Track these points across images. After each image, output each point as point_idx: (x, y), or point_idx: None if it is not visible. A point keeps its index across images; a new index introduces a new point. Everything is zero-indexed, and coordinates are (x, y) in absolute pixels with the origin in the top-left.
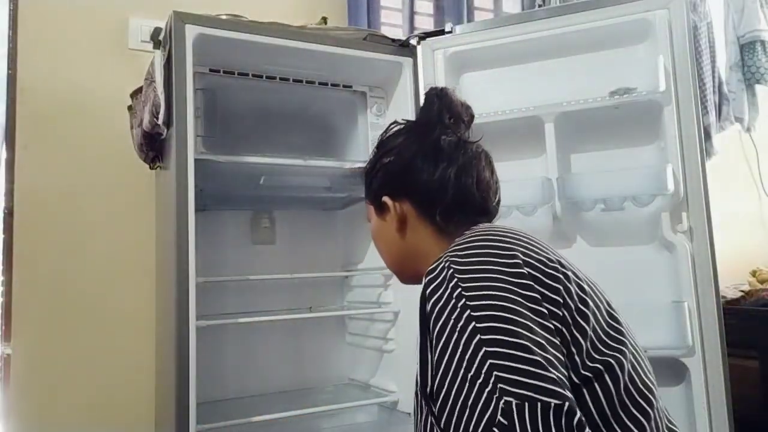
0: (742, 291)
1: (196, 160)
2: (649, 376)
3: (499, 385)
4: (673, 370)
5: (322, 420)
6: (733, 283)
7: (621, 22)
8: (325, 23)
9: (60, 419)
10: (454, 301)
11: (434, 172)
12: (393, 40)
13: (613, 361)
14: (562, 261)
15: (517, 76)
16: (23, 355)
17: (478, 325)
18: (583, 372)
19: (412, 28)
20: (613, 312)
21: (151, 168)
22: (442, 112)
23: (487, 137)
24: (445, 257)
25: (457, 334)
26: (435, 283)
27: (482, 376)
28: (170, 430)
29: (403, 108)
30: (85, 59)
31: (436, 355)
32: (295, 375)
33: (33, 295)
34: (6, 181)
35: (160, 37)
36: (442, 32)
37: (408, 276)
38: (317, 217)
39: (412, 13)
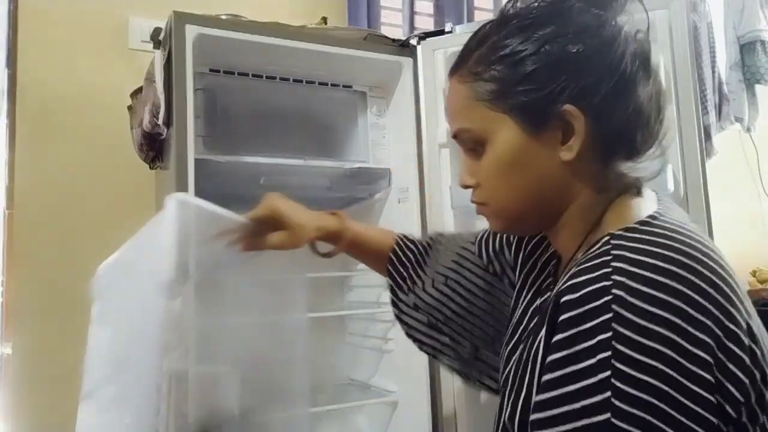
0: None
1: (196, 160)
2: None
3: None
4: None
5: (322, 420)
6: None
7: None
8: (325, 23)
9: (60, 419)
10: (594, 363)
11: (645, 85)
12: (393, 40)
13: None
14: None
15: None
16: (23, 355)
17: (614, 406)
18: None
19: (412, 28)
20: None
21: (151, 168)
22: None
23: None
24: (612, 274)
25: (580, 399)
26: (579, 313)
27: None
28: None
29: (403, 108)
30: (85, 59)
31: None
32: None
33: (33, 295)
34: (6, 181)
35: (160, 37)
36: (442, 32)
37: (529, 225)
38: None
39: (412, 13)
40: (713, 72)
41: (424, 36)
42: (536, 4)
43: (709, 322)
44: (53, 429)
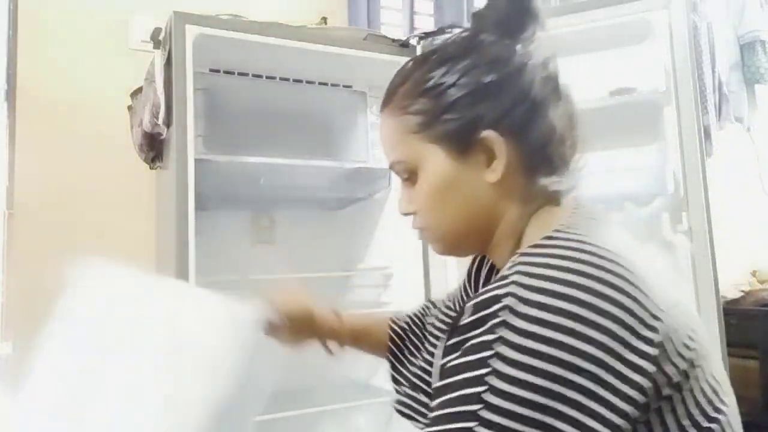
0: (742, 291)
1: (196, 160)
2: None
3: None
4: None
5: (322, 420)
6: (733, 283)
7: (621, 22)
8: (325, 23)
9: None
10: (475, 359)
11: (556, 107)
12: (393, 40)
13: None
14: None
15: None
16: (23, 355)
17: (486, 401)
18: None
19: (412, 28)
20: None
21: (151, 168)
22: (542, 26)
23: None
24: (508, 285)
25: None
26: (473, 320)
27: None
28: None
29: None
30: (85, 59)
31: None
32: (294, 375)
33: (33, 295)
34: (6, 181)
35: (160, 37)
36: (442, 32)
37: (466, 246)
38: (317, 217)
39: (412, 13)
40: (713, 72)
41: (424, 36)
42: (453, 40)
43: (607, 323)
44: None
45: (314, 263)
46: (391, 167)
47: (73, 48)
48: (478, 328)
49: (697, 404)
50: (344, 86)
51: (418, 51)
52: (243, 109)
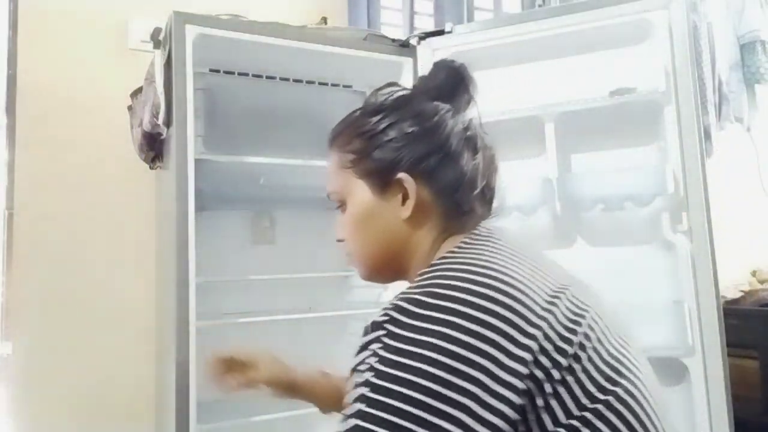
0: (742, 291)
1: (196, 160)
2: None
3: None
4: (673, 370)
5: (321, 420)
6: (733, 283)
7: (621, 22)
8: (325, 23)
9: (60, 419)
10: (359, 379)
11: (470, 159)
12: (393, 40)
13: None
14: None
15: (517, 76)
16: (23, 355)
17: (363, 412)
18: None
19: (412, 28)
20: (613, 353)
21: (151, 168)
22: (460, 95)
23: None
24: (391, 310)
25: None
26: (362, 343)
27: None
28: (170, 429)
29: None
30: (85, 59)
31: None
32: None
33: (33, 295)
34: (6, 181)
35: (160, 37)
36: (442, 32)
37: (385, 275)
38: (317, 217)
39: (412, 13)
40: (713, 72)
41: (424, 36)
42: (393, 95)
43: (482, 345)
44: (53, 429)
45: (314, 263)
46: (328, 196)
47: (73, 48)
48: (363, 350)
49: (583, 390)
50: (344, 86)
51: (419, 51)
52: (243, 109)
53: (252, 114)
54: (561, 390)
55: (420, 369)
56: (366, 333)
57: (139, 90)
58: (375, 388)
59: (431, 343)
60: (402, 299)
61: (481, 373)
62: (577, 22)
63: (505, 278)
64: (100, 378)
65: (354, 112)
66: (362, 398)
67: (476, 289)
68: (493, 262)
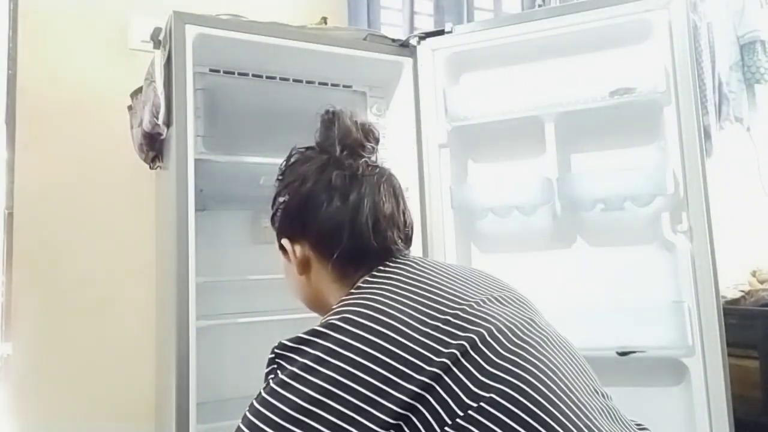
0: (742, 291)
1: (196, 160)
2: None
3: None
4: (673, 370)
5: None
6: (733, 283)
7: (621, 22)
8: (325, 23)
9: (60, 419)
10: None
11: (327, 213)
12: (393, 40)
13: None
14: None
15: (517, 76)
16: (23, 355)
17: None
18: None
19: (412, 28)
20: (513, 338)
21: (151, 168)
22: (333, 143)
23: (488, 137)
24: (281, 348)
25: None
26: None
27: None
28: (170, 429)
29: (402, 108)
30: (85, 59)
31: None
32: None
33: (33, 295)
34: (6, 181)
35: (160, 37)
36: (442, 32)
37: (316, 311)
38: None
39: (412, 13)
40: (713, 72)
41: (424, 36)
42: (283, 165)
43: (358, 372)
44: (53, 429)
45: None
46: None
47: (73, 48)
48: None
49: (464, 390)
50: (344, 86)
51: (419, 51)
52: (243, 109)
53: (252, 114)
54: (440, 396)
55: (291, 399)
56: (270, 359)
57: (139, 90)
58: (259, 401)
59: (307, 378)
60: (288, 338)
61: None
62: (577, 22)
63: (380, 316)
64: (100, 378)
65: None
66: (252, 408)
67: (348, 329)
68: (374, 301)
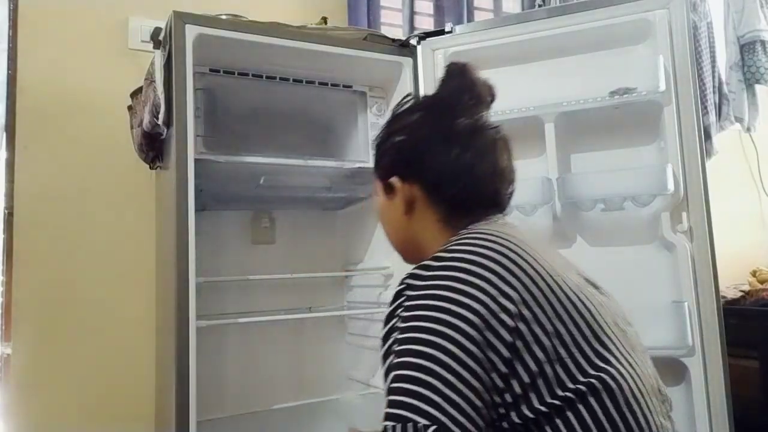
0: (742, 291)
1: (196, 160)
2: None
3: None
4: (673, 370)
5: (321, 420)
6: (733, 283)
7: (621, 22)
8: (325, 23)
9: (60, 419)
10: (391, 324)
11: (448, 157)
12: (393, 40)
13: (596, 382)
14: (533, 293)
15: (517, 76)
16: (23, 355)
17: (396, 348)
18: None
19: (412, 28)
20: (604, 330)
21: (151, 168)
22: (462, 91)
23: None
24: (414, 268)
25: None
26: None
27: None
28: (170, 429)
29: None
30: (85, 59)
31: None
32: (295, 375)
33: (33, 295)
34: (6, 181)
35: (160, 37)
36: (442, 32)
37: (411, 258)
38: (317, 217)
39: (412, 13)
40: (713, 72)
41: (424, 36)
42: (398, 109)
43: (476, 292)
44: (53, 429)
45: (314, 263)
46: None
47: (73, 48)
48: (393, 301)
49: (566, 369)
50: (344, 86)
51: (419, 51)
52: (243, 109)
53: (252, 114)
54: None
55: (427, 315)
56: (391, 304)
57: (139, 90)
58: (400, 339)
59: (437, 294)
60: (414, 267)
61: (473, 314)
62: (577, 22)
63: (511, 254)
64: (100, 378)
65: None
66: (392, 350)
67: (476, 260)
68: (498, 236)
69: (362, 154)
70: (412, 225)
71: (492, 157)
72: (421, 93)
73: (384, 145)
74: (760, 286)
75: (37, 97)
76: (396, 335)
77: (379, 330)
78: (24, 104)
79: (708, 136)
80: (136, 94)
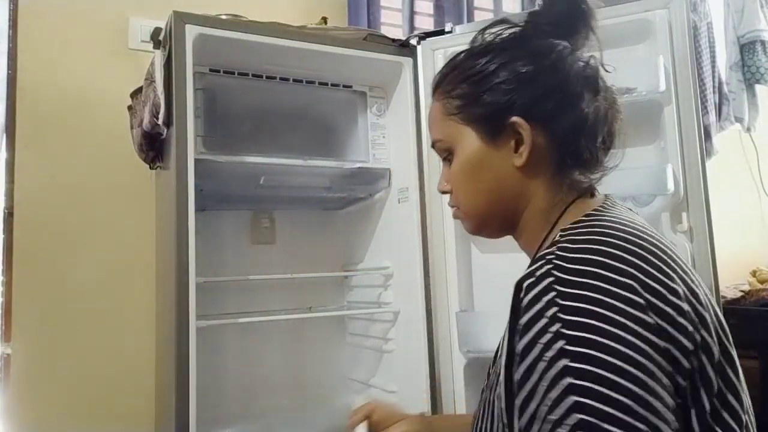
0: (742, 291)
1: (196, 160)
2: None
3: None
4: None
5: (321, 420)
6: (733, 283)
7: (620, 22)
8: (325, 23)
9: (60, 419)
10: (548, 333)
11: (591, 102)
12: (393, 40)
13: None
14: (696, 291)
15: None
16: (23, 355)
17: (570, 364)
18: None
19: (412, 28)
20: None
21: (151, 168)
22: (591, 29)
23: None
24: (549, 260)
25: (544, 365)
26: (531, 295)
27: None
28: (170, 429)
29: (403, 108)
30: (85, 59)
31: (519, 393)
32: (295, 375)
33: (33, 295)
34: (6, 181)
35: (160, 37)
36: (442, 32)
37: (493, 226)
38: (317, 217)
39: (412, 13)
40: (713, 72)
41: (424, 36)
42: (501, 34)
43: (635, 285)
44: (53, 429)
45: (314, 263)
46: (432, 146)
47: (73, 48)
48: (538, 303)
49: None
50: (344, 86)
51: (419, 51)
52: (243, 109)
53: (252, 114)
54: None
55: (605, 330)
56: (521, 294)
57: (139, 90)
58: (577, 358)
59: (604, 301)
60: (563, 258)
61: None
62: None
63: (658, 245)
64: (100, 378)
65: (458, 54)
66: (566, 371)
67: (630, 248)
68: (641, 233)
69: (362, 154)
70: (519, 183)
71: (614, 112)
72: (422, 93)
73: (494, 76)
74: (760, 286)
75: (37, 97)
76: (562, 345)
77: (379, 330)
78: (24, 104)
79: (708, 136)
80: (136, 94)
